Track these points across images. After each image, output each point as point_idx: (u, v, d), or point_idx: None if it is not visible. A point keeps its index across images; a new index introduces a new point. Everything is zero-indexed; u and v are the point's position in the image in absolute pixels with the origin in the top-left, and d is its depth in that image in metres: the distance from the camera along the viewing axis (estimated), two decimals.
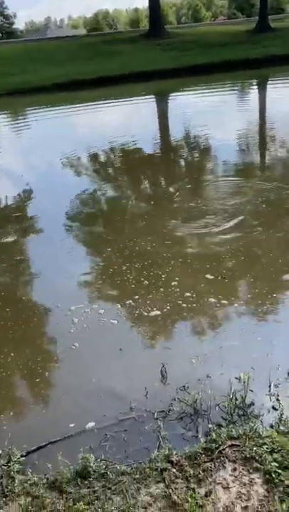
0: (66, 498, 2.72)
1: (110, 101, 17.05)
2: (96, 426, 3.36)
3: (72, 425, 3.38)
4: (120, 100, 17.09)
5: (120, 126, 13.53)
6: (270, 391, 3.56)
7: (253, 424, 3.17)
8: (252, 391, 3.53)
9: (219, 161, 9.67)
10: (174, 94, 18.27)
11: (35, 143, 13.10)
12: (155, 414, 3.45)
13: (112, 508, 2.61)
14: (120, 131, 12.66)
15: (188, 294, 4.79)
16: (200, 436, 3.21)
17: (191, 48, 22.65)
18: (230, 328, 4.43)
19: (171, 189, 8.18)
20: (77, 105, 16.72)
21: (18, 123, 16.75)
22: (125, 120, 14.35)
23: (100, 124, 14.19)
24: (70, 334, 4.38)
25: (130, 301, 4.78)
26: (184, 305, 4.66)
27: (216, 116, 12.92)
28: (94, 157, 10.85)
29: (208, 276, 5.10)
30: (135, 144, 11.36)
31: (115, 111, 16.00)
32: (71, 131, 13.80)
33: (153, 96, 18.07)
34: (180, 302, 4.70)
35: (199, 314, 4.55)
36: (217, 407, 3.47)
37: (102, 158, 10.93)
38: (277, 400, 3.47)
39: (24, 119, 17.31)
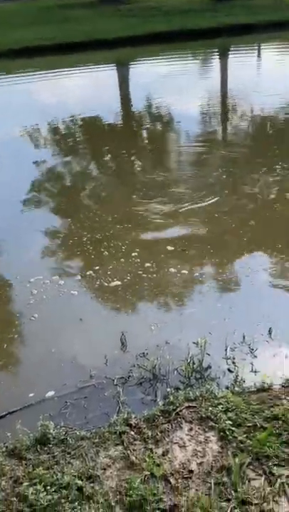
0: (25, 464, 2.75)
1: (69, 69, 16.50)
2: (56, 394, 3.39)
3: (31, 395, 3.40)
4: (80, 68, 16.57)
5: (80, 95, 13.17)
6: (226, 354, 3.67)
7: (209, 386, 3.27)
8: (209, 355, 3.63)
9: (181, 130, 9.60)
10: (134, 62, 17.89)
11: None
12: (115, 380, 3.51)
13: (72, 471, 2.65)
14: (80, 101, 12.33)
15: (148, 265, 4.82)
16: (158, 399, 3.29)
17: (152, 14, 22.04)
18: (189, 296, 4.51)
19: (132, 159, 8.09)
20: (35, 73, 16.12)
21: None
22: (85, 89, 13.95)
23: (59, 93, 13.74)
24: (29, 306, 4.35)
25: (90, 271, 4.77)
26: (144, 275, 4.69)
27: (177, 85, 12.75)
28: (53, 128, 10.55)
29: (169, 247, 5.13)
30: (95, 113, 11.11)
31: (75, 79, 15.51)
32: (28, 100, 13.31)
33: (113, 64, 17.62)
34: (140, 273, 4.73)
35: (159, 284, 4.60)
36: (175, 372, 3.56)
37: (62, 128, 10.65)
38: (233, 362, 3.59)
39: None
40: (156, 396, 3.35)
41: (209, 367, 3.57)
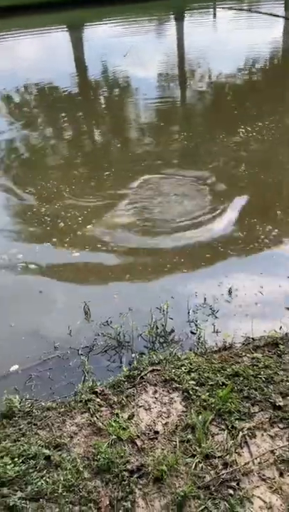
0: None
1: (22, 32, 15.77)
2: (20, 368, 3.36)
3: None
4: (32, 31, 15.85)
5: (34, 61, 12.63)
6: (188, 318, 3.72)
7: (172, 349, 3.32)
8: (172, 319, 3.67)
9: (139, 96, 9.39)
10: (88, 25, 17.25)
11: None
12: (79, 350, 3.50)
13: (39, 441, 2.66)
14: (34, 67, 11.85)
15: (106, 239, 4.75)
16: (123, 365, 3.32)
17: None
18: (150, 263, 4.50)
19: (91, 129, 7.90)
20: None
21: None
22: (39, 54, 13.40)
23: (12, 58, 13.15)
24: None
25: (48, 243, 4.70)
26: (104, 248, 4.64)
27: (133, 50, 12.40)
28: (8, 96, 10.12)
29: (126, 219, 5.07)
30: (50, 81, 10.71)
31: (28, 44, 14.87)
32: None
33: (65, 27, 16.93)
34: (99, 246, 4.67)
35: (119, 254, 4.56)
36: (139, 338, 3.59)
37: (17, 97, 10.23)
38: (196, 325, 3.64)
39: None
40: (122, 362, 3.38)
41: (172, 331, 3.61)
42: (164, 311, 3.67)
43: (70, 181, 5.90)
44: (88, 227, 4.95)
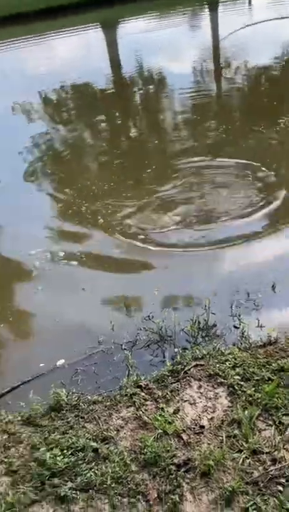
0: (41, 431, 2.82)
1: (56, 33, 16.00)
2: (66, 362, 3.44)
3: (42, 365, 3.44)
4: (66, 32, 16.05)
5: (70, 60, 12.80)
6: (231, 312, 3.68)
7: (215, 344, 3.30)
8: (214, 314, 3.65)
9: (175, 92, 9.32)
10: (122, 21, 17.31)
11: None
12: (123, 345, 3.55)
13: (86, 434, 2.72)
14: (70, 66, 12.01)
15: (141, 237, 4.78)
16: (166, 360, 3.33)
17: None
18: (192, 256, 4.48)
19: (129, 126, 7.95)
20: (22, 38, 15.67)
21: None
22: (75, 54, 13.56)
23: (48, 58, 13.37)
24: (32, 278, 4.37)
25: (90, 241, 4.77)
26: (145, 243, 4.66)
27: (167, 44, 12.34)
28: (46, 97, 10.31)
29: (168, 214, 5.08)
30: (87, 79, 10.82)
31: (62, 44, 15.08)
32: (19, 68, 12.97)
33: (99, 25, 17.03)
34: (140, 241, 4.70)
35: (159, 249, 4.58)
36: (182, 332, 3.59)
37: (54, 97, 10.40)
38: (239, 319, 3.60)
39: None
40: (164, 357, 3.39)
41: (215, 325, 3.59)
42: (205, 306, 3.65)
43: (110, 178, 5.95)
44: (128, 222, 4.99)
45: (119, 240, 4.74)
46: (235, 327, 3.55)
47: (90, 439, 2.67)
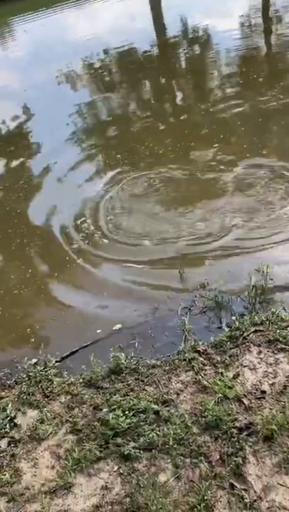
0: (103, 392, 2.89)
1: None
2: (123, 327, 3.49)
3: (99, 331, 3.51)
4: None
5: (112, 25, 12.50)
6: None
7: (275, 310, 3.24)
8: (272, 279, 3.56)
9: (222, 55, 8.92)
10: None
11: (26, 55, 12.29)
12: (178, 311, 3.54)
13: (147, 396, 2.76)
14: (113, 31, 11.74)
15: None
16: (224, 326, 3.30)
17: None
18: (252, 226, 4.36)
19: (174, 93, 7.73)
20: (58, 6, 15.45)
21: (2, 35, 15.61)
22: (116, 18, 13.21)
23: (90, 24, 13.12)
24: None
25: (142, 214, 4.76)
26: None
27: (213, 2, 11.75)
28: (90, 65, 10.18)
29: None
30: (131, 44, 10.55)
31: (103, 8, 14.72)
32: (61, 36, 12.83)
33: None
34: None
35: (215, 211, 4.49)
36: (238, 299, 3.54)
37: (98, 64, 10.24)
38: None
39: (8, 30, 16.07)
40: (221, 323, 3.36)
41: (272, 292, 3.51)
42: (263, 271, 3.56)
43: (153, 151, 5.84)
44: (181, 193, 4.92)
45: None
46: None
47: (150, 402, 2.72)
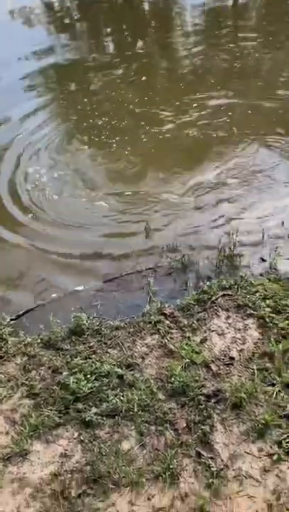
0: (63, 354, 2.71)
1: None
2: (84, 288, 3.28)
3: (54, 295, 3.26)
4: None
5: None
6: (261, 242, 3.47)
7: (243, 275, 3.14)
8: (240, 243, 3.44)
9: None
10: None
11: None
12: (143, 272, 3.38)
13: (110, 360, 2.61)
14: None
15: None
16: (191, 289, 3.18)
17: None
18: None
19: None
20: None
21: None
22: None
23: None
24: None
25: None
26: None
27: None
28: (48, 3, 9.35)
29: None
30: None
31: None
32: None
33: None
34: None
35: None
36: (206, 261, 3.41)
37: (57, 4, 9.44)
38: (269, 250, 3.40)
39: None
40: (188, 285, 3.23)
41: (241, 255, 3.41)
42: (232, 234, 3.44)
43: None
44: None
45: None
46: (262, 259, 3.37)
47: (114, 365, 2.58)
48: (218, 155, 4.44)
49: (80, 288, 3.28)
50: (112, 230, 3.76)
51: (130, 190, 4.13)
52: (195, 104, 5.18)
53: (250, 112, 4.97)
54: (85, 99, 5.58)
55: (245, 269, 3.29)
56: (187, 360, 2.56)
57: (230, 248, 3.41)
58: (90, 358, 2.65)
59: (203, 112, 5.04)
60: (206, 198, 3.95)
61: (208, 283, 3.12)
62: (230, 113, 4.99)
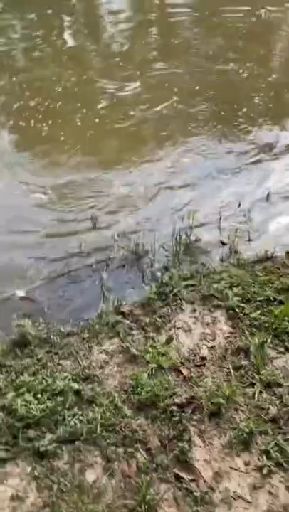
0: (6, 371, 2.29)
1: None
2: (27, 291, 2.84)
3: None
4: None
5: None
6: (219, 226, 3.19)
7: (204, 262, 2.85)
8: (197, 226, 3.15)
9: None
10: None
11: None
12: (93, 265, 3.00)
13: (64, 373, 2.23)
14: None
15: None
16: (148, 281, 2.84)
17: None
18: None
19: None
20: None
21: None
22: None
23: None
24: None
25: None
26: None
27: None
28: None
29: None
30: None
31: None
32: None
33: None
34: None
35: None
36: (161, 249, 3.08)
37: None
38: (229, 234, 3.11)
39: None
40: (144, 278, 2.89)
41: (198, 240, 3.11)
42: (188, 218, 3.13)
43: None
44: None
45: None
46: (222, 243, 3.09)
47: (69, 380, 2.20)
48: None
49: (21, 291, 2.83)
50: (53, 224, 3.32)
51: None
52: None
53: None
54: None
55: (205, 256, 3.00)
56: (153, 365, 2.23)
57: (186, 233, 3.10)
58: (40, 373, 2.25)
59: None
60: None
61: (167, 273, 2.80)
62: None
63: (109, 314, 2.54)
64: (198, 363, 2.24)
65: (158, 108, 4.36)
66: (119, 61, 5.14)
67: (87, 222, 3.28)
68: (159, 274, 2.88)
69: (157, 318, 2.48)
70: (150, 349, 2.31)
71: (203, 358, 2.26)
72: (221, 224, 3.21)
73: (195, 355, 2.28)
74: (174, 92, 4.55)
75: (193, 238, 3.10)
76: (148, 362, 2.25)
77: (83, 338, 2.43)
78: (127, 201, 3.46)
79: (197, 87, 4.62)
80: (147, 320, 2.49)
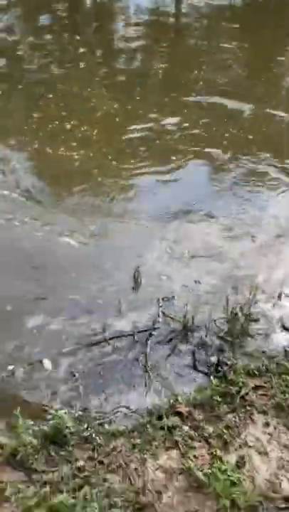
0: (38, 481, 1.78)
1: None
2: (54, 364, 2.33)
3: (11, 367, 2.31)
4: None
5: None
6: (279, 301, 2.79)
7: (275, 355, 2.42)
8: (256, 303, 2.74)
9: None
10: None
11: None
12: (135, 336, 2.53)
13: (113, 495, 1.75)
14: None
15: None
16: (200, 365, 2.40)
17: None
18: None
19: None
20: None
21: None
22: None
23: None
24: None
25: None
26: None
27: None
28: None
29: None
30: None
31: None
32: None
33: None
34: None
35: None
36: (212, 324, 2.65)
37: None
38: None
39: None
40: (196, 361, 2.44)
41: (257, 320, 2.69)
42: (250, 292, 2.72)
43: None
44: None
45: None
46: (285, 328, 2.68)
47: (118, 508, 1.71)
48: None
49: (48, 365, 2.32)
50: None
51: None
52: None
53: None
54: None
55: (265, 341, 2.59)
56: (225, 500, 1.77)
57: (241, 309, 2.68)
58: (81, 491, 1.76)
59: None
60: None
61: (228, 363, 2.37)
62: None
63: (164, 413, 2.07)
64: (281, 506, 1.79)
65: None
66: None
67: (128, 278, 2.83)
68: (210, 357, 2.46)
69: (224, 430, 2.04)
70: (219, 474, 1.85)
71: (287, 500, 1.81)
72: (281, 301, 2.82)
73: (275, 492, 1.84)
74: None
75: (251, 316, 2.68)
76: (218, 495, 1.79)
77: (134, 445, 1.95)
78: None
79: None
80: (211, 429, 2.04)
